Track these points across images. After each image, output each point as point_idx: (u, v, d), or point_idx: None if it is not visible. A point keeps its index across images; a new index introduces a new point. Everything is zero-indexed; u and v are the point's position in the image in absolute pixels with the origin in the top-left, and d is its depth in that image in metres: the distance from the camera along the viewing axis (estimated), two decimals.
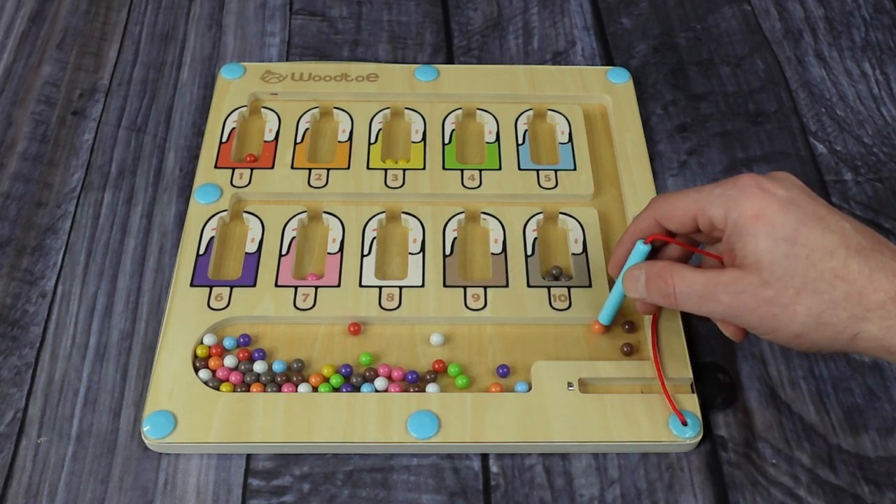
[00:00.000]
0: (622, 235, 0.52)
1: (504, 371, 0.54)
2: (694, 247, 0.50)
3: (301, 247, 0.60)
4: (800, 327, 0.44)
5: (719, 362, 0.56)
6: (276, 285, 0.57)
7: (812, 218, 0.44)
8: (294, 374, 0.54)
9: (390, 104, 0.68)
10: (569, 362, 0.54)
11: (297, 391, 0.53)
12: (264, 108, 0.68)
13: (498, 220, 0.61)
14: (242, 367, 0.54)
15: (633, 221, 0.51)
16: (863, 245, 0.44)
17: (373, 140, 0.66)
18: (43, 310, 0.58)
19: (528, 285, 0.57)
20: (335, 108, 0.68)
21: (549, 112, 0.68)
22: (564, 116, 0.67)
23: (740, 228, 0.45)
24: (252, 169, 0.63)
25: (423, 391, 0.53)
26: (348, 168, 0.64)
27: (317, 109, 0.68)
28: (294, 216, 0.61)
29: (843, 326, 0.43)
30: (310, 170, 0.63)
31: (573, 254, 0.59)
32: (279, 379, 0.53)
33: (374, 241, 0.60)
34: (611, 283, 0.57)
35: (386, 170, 0.64)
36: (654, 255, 0.52)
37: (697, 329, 0.57)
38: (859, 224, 0.45)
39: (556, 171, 0.64)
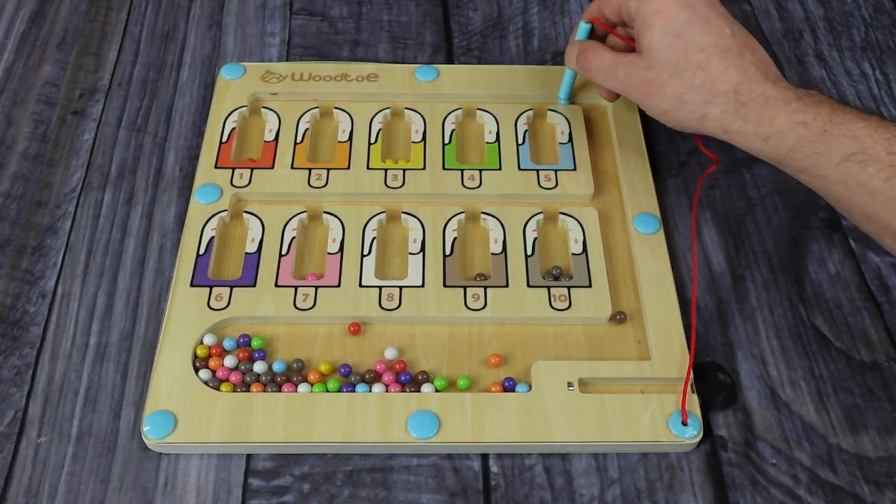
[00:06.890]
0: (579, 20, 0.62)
1: (510, 384, 0.53)
2: (623, 36, 0.60)
3: (301, 247, 0.60)
4: (667, 105, 0.55)
5: (719, 362, 0.56)
6: (276, 285, 0.57)
7: (700, 20, 0.54)
8: (294, 374, 0.54)
9: (390, 104, 0.68)
10: (569, 362, 0.54)
11: (297, 391, 0.53)
12: (264, 108, 0.68)
13: (498, 220, 0.61)
14: (242, 367, 0.54)
15: (587, 9, 0.61)
16: (730, 47, 0.53)
17: (373, 140, 0.66)
18: (43, 310, 0.58)
19: (528, 285, 0.57)
20: (335, 108, 0.68)
21: (549, 112, 0.68)
22: (564, 116, 0.67)
23: (644, 20, 0.55)
24: (252, 169, 0.63)
25: (419, 391, 0.53)
26: (348, 168, 0.64)
27: (317, 109, 0.68)
28: (294, 216, 0.61)
29: (696, 107, 0.53)
30: (310, 170, 0.63)
31: (573, 254, 0.59)
32: (279, 379, 0.53)
33: (374, 241, 0.60)
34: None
35: (386, 170, 0.64)
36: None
37: (698, 329, 0.57)
38: (742, 31, 0.55)
39: (556, 171, 0.64)
